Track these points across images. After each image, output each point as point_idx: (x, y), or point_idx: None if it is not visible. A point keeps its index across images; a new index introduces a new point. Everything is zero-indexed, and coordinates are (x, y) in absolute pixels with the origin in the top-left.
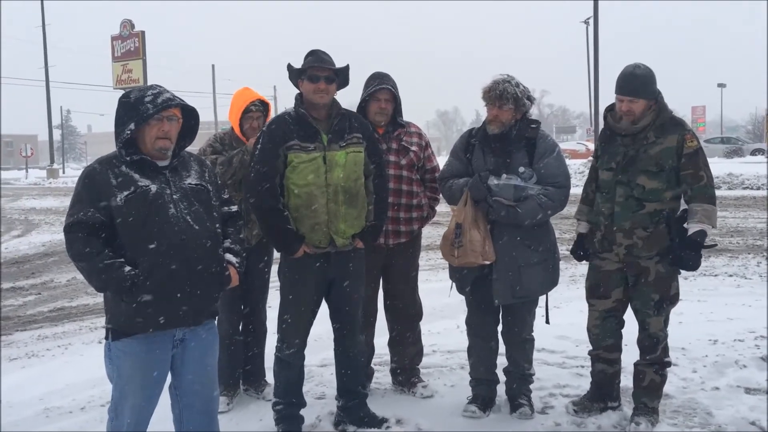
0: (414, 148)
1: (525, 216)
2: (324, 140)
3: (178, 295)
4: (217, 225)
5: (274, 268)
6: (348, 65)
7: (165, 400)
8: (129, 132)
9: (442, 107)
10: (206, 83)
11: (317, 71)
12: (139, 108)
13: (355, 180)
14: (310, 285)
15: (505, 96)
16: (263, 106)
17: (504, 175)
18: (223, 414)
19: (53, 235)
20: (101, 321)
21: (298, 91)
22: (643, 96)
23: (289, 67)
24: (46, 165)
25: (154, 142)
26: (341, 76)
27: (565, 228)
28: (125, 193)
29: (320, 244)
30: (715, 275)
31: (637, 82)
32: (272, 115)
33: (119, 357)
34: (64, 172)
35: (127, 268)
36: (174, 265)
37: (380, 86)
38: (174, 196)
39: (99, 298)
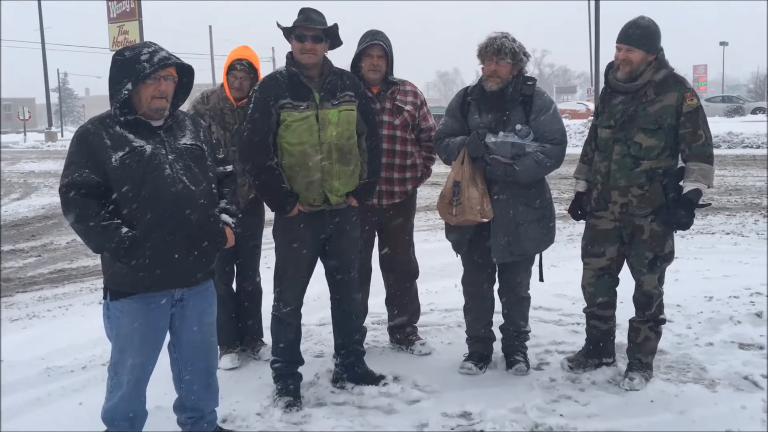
0: (408, 107)
1: (523, 173)
2: (316, 99)
3: (176, 255)
4: (213, 185)
5: (268, 230)
6: (336, 24)
7: (165, 358)
8: (126, 92)
9: (442, 68)
10: (203, 44)
11: (304, 30)
12: (135, 67)
13: (348, 138)
14: (305, 243)
15: (504, 50)
16: (251, 67)
17: (501, 133)
18: (226, 371)
19: (53, 197)
20: (101, 282)
21: (290, 50)
22: (642, 47)
23: (278, 26)
24: (45, 128)
25: (150, 101)
26: (332, 36)
27: (564, 188)
28: (120, 153)
29: (314, 203)
30: (713, 233)
31: (637, 31)
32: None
33: (118, 317)
34: (62, 135)
35: (125, 229)
36: (171, 226)
37: (372, 42)
38: (169, 157)
39: (98, 260)
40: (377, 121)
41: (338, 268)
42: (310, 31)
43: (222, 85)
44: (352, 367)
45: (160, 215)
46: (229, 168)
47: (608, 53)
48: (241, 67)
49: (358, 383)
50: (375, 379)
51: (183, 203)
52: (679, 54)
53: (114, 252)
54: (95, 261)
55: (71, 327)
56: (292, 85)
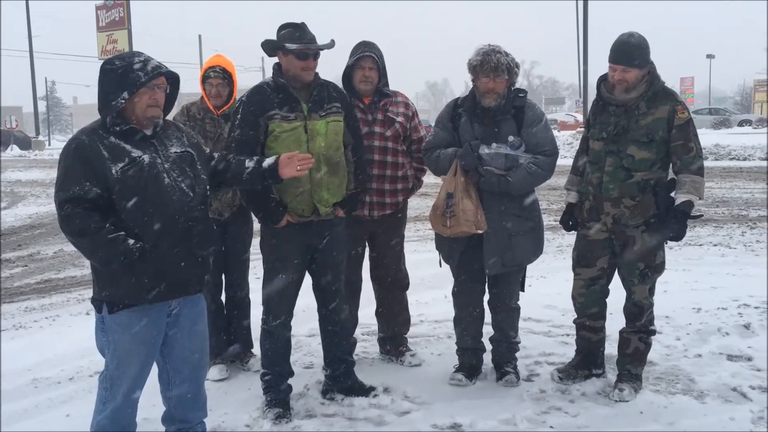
0: (400, 118)
1: (516, 185)
2: (304, 110)
3: (183, 264)
4: (207, 187)
5: (256, 241)
6: (333, 41)
7: (152, 369)
8: (123, 101)
9: (431, 78)
10: (193, 54)
11: (308, 49)
12: (129, 76)
13: (336, 149)
14: (294, 255)
15: (500, 67)
16: (225, 73)
17: (494, 144)
18: (215, 382)
19: (39, 207)
20: (89, 293)
21: (276, 62)
22: (637, 65)
23: (279, 46)
24: (32, 137)
25: (145, 110)
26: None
27: (553, 199)
28: (120, 165)
29: (304, 213)
30: (700, 245)
31: (631, 51)
32: (237, 84)
33: (116, 330)
34: (49, 144)
35: (131, 241)
36: (178, 235)
37: (364, 54)
38: (165, 165)
39: (86, 270)
40: (369, 131)
41: (326, 279)
42: (312, 50)
43: (202, 97)
44: (341, 379)
45: (164, 224)
46: (218, 155)
47: (597, 65)
48: (215, 74)
49: (348, 395)
50: (365, 391)
51: (184, 211)
52: (667, 66)
53: (123, 264)
54: (83, 271)
55: (58, 338)
56: (280, 96)
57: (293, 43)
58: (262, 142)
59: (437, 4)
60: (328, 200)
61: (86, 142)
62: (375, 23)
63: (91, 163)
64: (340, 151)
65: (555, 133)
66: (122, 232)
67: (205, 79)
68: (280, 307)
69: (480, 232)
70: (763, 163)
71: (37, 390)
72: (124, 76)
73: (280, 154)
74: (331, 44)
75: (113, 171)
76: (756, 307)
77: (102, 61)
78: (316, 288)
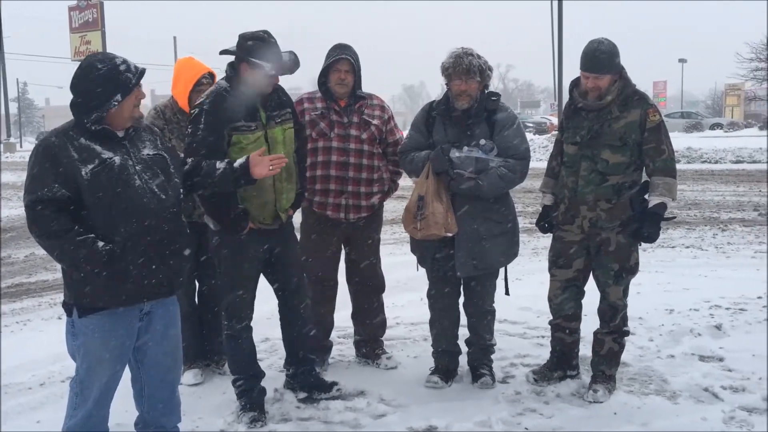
0: (376, 121)
1: (487, 188)
2: (263, 118)
3: (153, 267)
4: (180, 191)
5: None
6: (298, 61)
7: (125, 374)
8: (116, 103)
9: (408, 81)
10: (167, 56)
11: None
12: (119, 78)
13: (291, 155)
14: (252, 259)
15: (473, 69)
16: (211, 77)
17: (465, 148)
18: (189, 386)
19: (10, 210)
20: (60, 297)
21: (230, 63)
22: (608, 72)
23: (253, 63)
24: (3, 139)
25: (132, 110)
26: None
27: (528, 201)
28: (90, 166)
29: (265, 221)
30: (673, 247)
31: (601, 58)
32: None
33: (86, 333)
34: (21, 146)
35: (101, 243)
36: (148, 237)
37: (340, 56)
38: (137, 167)
39: (58, 274)
40: (345, 134)
41: (287, 278)
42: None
43: (172, 98)
44: (302, 377)
45: (134, 227)
46: (191, 159)
47: (571, 67)
48: (207, 81)
49: (311, 392)
50: (327, 387)
51: (155, 214)
52: (640, 70)
53: (91, 267)
54: (54, 275)
55: (29, 342)
56: (241, 104)
57: (265, 61)
58: (225, 152)
59: (414, 5)
60: (285, 206)
61: (55, 143)
62: (351, 25)
63: (60, 164)
64: (293, 157)
65: (530, 136)
66: (91, 234)
67: (197, 85)
68: (244, 310)
69: (450, 234)
70: (734, 166)
71: (7, 395)
72: (113, 78)
73: (249, 154)
74: (298, 65)
75: (83, 172)
76: (727, 308)
77: (77, 63)
78: (279, 290)
